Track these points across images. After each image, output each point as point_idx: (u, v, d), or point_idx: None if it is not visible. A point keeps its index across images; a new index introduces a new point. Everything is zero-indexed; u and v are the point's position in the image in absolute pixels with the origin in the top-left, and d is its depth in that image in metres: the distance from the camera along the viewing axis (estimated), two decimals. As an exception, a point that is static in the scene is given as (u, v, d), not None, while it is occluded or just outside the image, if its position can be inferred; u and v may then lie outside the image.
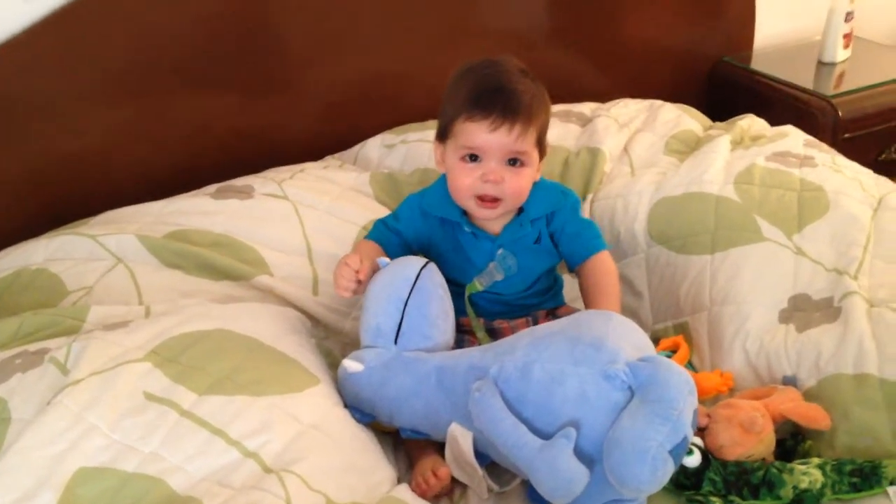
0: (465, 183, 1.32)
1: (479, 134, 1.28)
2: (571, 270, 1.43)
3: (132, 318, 1.30)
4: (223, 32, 1.76)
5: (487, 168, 1.30)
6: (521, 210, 1.39)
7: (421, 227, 1.42)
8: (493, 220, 1.38)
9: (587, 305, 1.36)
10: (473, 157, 1.31)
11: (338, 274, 1.31)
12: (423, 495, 1.18)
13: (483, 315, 1.39)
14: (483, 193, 1.32)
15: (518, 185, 1.32)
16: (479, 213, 1.36)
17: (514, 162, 1.31)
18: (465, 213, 1.39)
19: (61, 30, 1.61)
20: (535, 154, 1.33)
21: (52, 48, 1.61)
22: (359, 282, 1.30)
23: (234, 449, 1.08)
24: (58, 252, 1.50)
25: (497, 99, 1.28)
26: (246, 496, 1.02)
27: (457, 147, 1.32)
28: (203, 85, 1.77)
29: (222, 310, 1.32)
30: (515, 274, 1.37)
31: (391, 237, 1.42)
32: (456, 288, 1.35)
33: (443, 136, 1.36)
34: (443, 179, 1.40)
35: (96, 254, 1.48)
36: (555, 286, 1.47)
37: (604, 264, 1.38)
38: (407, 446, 1.30)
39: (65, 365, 1.17)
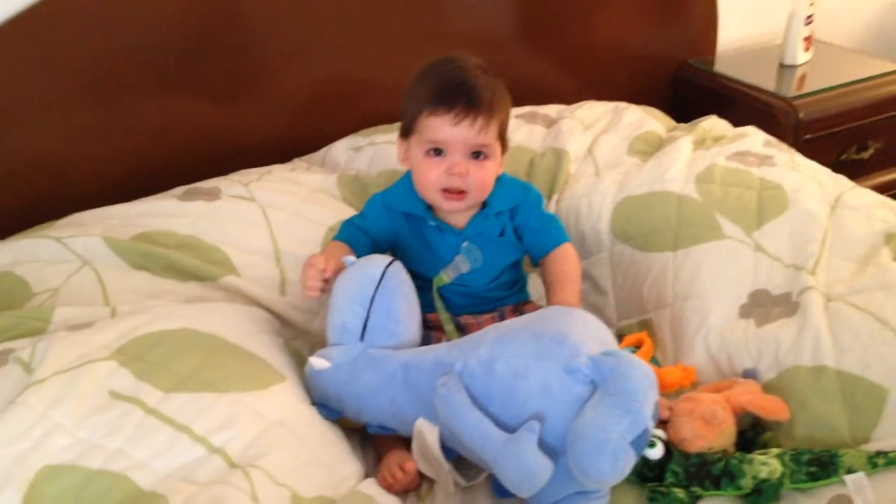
0: (431, 177, 1.35)
1: (443, 128, 1.31)
2: (535, 264, 1.46)
3: (98, 318, 1.30)
4: (189, 34, 1.75)
5: (452, 161, 1.33)
6: (484, 204, 1.42)
7: (387, 224, 1.44)
8: (458, 214, 1.41)
9: (548, 294, 1.39)
10: (438, 151, 1.34)
11: (304, 275, 1.33)
12: (389, 489, 1.19)
13: (450, 309, 1.40)
14: (449, 186, 1.35)
15: (482, 177, 1.35)
16: (446, 205, 1.38)
17: (477, 155, 1.34)
18: (429, 207, 1.41)
19: (24, 32, 1.60)
20: (497, 147, 1.36)
21: (16, 50, 1.60)
22: (325, 281, 1.32)
23: (199, 445, 1.09)
24: (23, 254, 1.49)
25: (459, 93, 1.30)
26: (211, 491, 1.03)
27: (421, 142, 1.34)
28: (169, 87, 1.77)
29: (188, 309, 1.32)
30: (481, 266, 1.39)
31: (359, 236, 1.44)
32: (422, 283, 1.37)
33: (406, 132, 1.38)
34: (407, 176, 1.43)
35: (62, 256, 1.47)
36: (520, 281, 1.49)
37: (566, 255, 1.41)
38: (374, 442, 1.31)
39: (29, 364, 1.16)
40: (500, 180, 1.41)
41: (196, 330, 1.25)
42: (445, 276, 1.38)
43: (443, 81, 1.32)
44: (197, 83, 1.80)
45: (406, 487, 1.22)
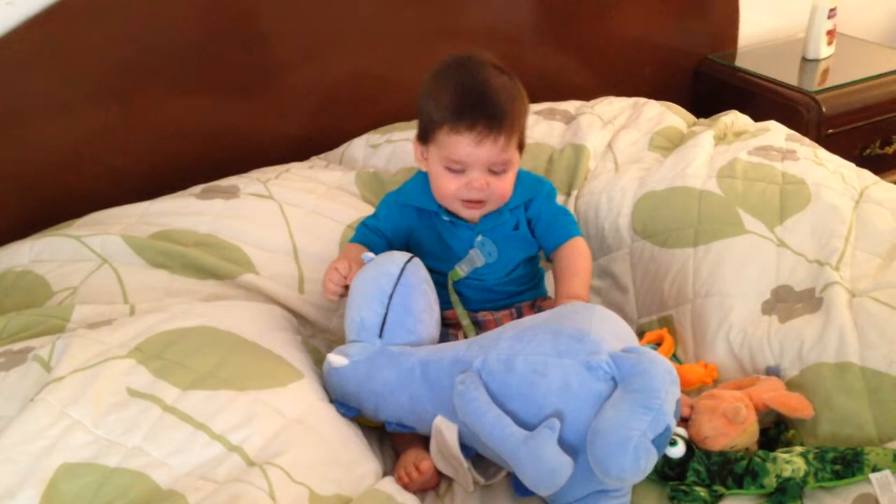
0: (450, 189, 1.34)
1: (464, 147, 1.29)
2: (547, 257, 1.45)
3: (117, 316, 1.30)
4: (205, 34, 1.76)
5: (472, 177, 1.32)
6: None
7: (399, 221, 1.43)
8: None
9: (557, 286, 1.38)
10: (458, 166, 1.32)
11: (326, 278, 1.35)
12: (405, 488, 1.18)
13: (467, 305, 1.40)
14: (468, 199, 1.34)
15: (502, 188, 1.35)
16: (465, 213, 1.38)
17: (497, 172, 1.33)
18: None
19: (41, 33, 1.61)
20: (516, 156, 1.35)
21: (32, 51, 1.61)
22: (346, 287, 1.32)
23: (217, 443, 1.09)
24: (42, 253, 1.49)
25: (479, 109, 1.28)
26: (229, 489, 1.02)
27: (440, 156, 1.33)
28: (186, 87, 1.78)
29: (206, 307, 1.32)
30: (496, 261, 1.38)
31: (373, 237, 1.44)
32: (438, 278, 1.36)
33: (424, 138, 1.36)
34: (421, 174, 1.42)
35: (81, 254, 1.48)
36: (536, 276, 1.48)
37: (576, 248, 1.40)
38: (393, 439, 1.30)
39: (48, 363, 1.17)
40: (517, 175, 1.39)
41: (214, 328, 1.25)
42: (460, 271, 1.38)
43: (462, 93, 1.29)
44: (214, 82, 1.80)
45: (423, 486, 1.21)
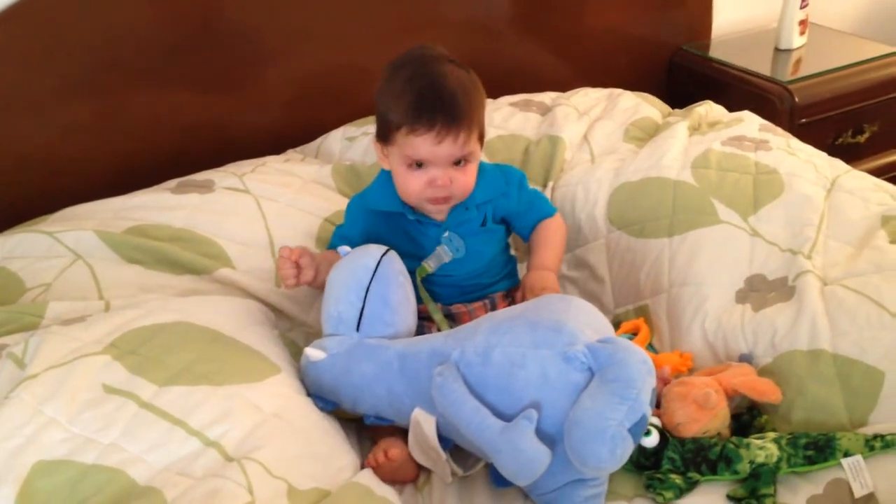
0: (414, 189, 1.34)
1: (425, 146, 1.29)
2: (526, 242, 1.48)
3: (91, 313, 1.29)
4: (180, 27, 1.74)
5: (434, 174, 1.32)
6: None
7: (365, 225, 1.43)
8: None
9: (530, 258, 1.43)
10: (420, 164, 1.33)
11: (278, 266, 1.37)
12: (375, 472, 1.19)
13: (439, 300, 1.40)
14: (433, 196, 1.35)
15: (465, 181, 1.35)
16: (431, 209, 1.39)
17: (459, 162, 1.33)
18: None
19: (13, 26, 1.58)
20: (478, 147, 1.36)
21: (5, 45, 1.59)
22: (298, 266, 1.34)
23: (194, 439, 1.08)
24: (15, 250, 1.48)
25: (438, 108, 1.27)
26: (207, 484, 1.02)
27: (402, 156, 1.33)
28: (160, 80, 1.76)
29: (182, 302, 1.32)
30: (465, 256, 1.39)
31: (343, 244, 1.43)
32: (411, 276, 1.36)
33: (384, 139, 1.35)
34: (383, 175, 1.42)
35: (54, 250, 1.46)
36: (508, 265, 1.49)
37: (552, 223, 1.47)
38: (372, 432, 1.30)
39: (22, 360, 1.16)
40: (480, 170, 1.40)
41: (190, 323, 1.25)
42: (428, 267, 1.38)
43: (419, 95, 1.28)
44: (189, 76, 1.79)
45: (394, 474, 1.22)
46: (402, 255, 1.35)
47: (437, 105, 1.28)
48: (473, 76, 1.35)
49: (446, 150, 1.30)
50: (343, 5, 1.89)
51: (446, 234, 1.39)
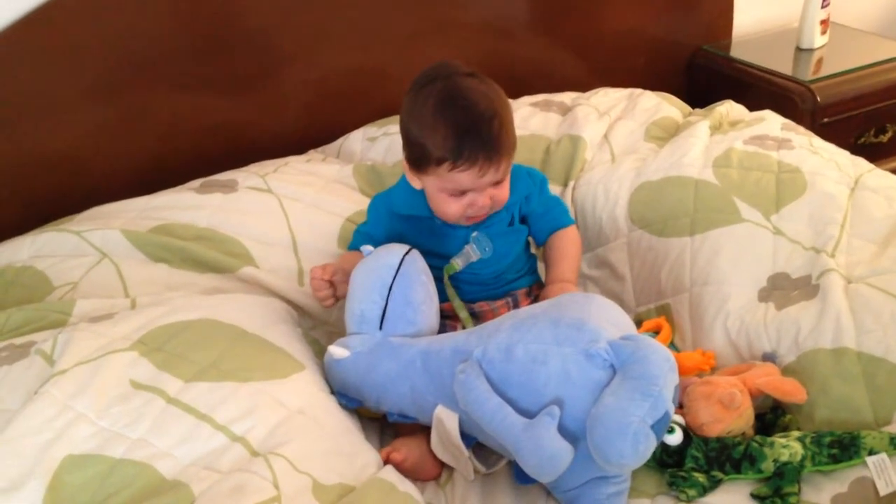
0: (455, 212, 1.35)
1: (468, 180, 1.30)
2: (539, 245, 1.48)
3: (118, 310, 1.31)
4: (201, 30, 1.76)
5: (474, 198, 1.32)
6: None
7: (389, 225, 1.44)
8: None
9: (547, 271, 1.43)
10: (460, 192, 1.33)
11: (313, 289, 1.38)
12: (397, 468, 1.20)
13: (463, 297, 1.40)
14: (473, 216, 1.36)
15: (503, 196, 1.36)
16: (469, 223, 1.39)
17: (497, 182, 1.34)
18: None
19: (38, 29, 1.60)
20: (511, 163, 1.35)
21: (30, 48, 1.61)
22: (331, 284, 1.36)
23: (220, 434, 1.09)
24: (43, 249, 1.50)
25: (478, 146, 1.26)
26: (233, 479, 1.03)
27: (442, 185, 1.32)
28: (183, 83, 1.77)
29: (207, 300, 1.33)
30: (491, 255, 1.39)
31: (367, 242, 1.43)
32: (434, 273, 1.36)
33: (419, 168, 1.33)
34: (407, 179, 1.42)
35: (81, 249, 1.48)
36: (529, 262, 1.50)
37: (568, 234, 1.47)
38: (398, 429, 1.31)
39: (51, 356, 1.18)
40: None
41: (215, 320, 1.26)
42: (456, 265, 1.38)
43: (456, 130, 1.26)
44: (210, 78, 1.80)
45: (415, 473, 1.22)
46: (427, 254, 1.36)
47: (478, 142, 1.27)
48: (494, 86, 1.33)
49: (489, 180, 1.31)
50: (361, 8, 1.90)
51: (475, 233, 1.39)
